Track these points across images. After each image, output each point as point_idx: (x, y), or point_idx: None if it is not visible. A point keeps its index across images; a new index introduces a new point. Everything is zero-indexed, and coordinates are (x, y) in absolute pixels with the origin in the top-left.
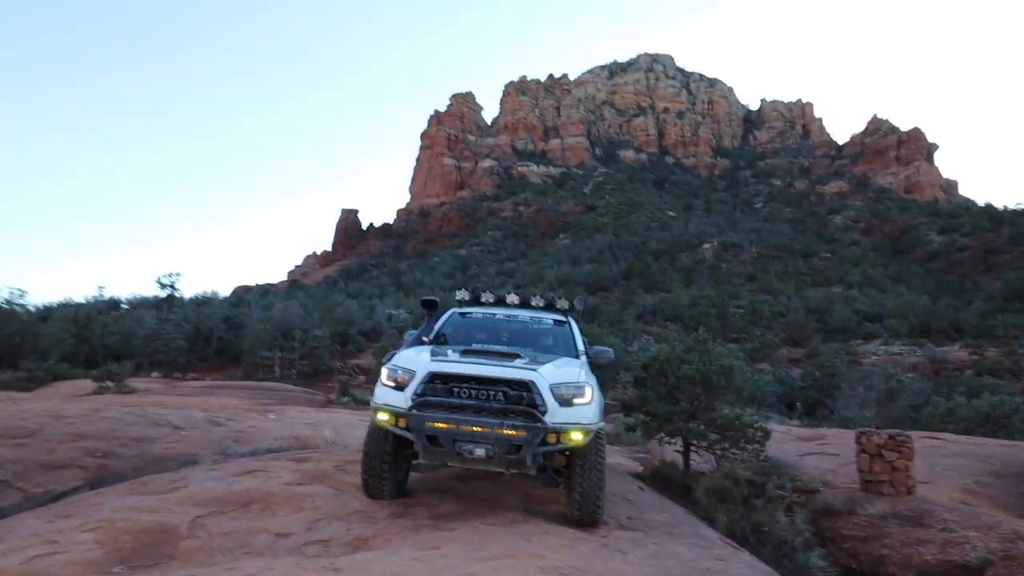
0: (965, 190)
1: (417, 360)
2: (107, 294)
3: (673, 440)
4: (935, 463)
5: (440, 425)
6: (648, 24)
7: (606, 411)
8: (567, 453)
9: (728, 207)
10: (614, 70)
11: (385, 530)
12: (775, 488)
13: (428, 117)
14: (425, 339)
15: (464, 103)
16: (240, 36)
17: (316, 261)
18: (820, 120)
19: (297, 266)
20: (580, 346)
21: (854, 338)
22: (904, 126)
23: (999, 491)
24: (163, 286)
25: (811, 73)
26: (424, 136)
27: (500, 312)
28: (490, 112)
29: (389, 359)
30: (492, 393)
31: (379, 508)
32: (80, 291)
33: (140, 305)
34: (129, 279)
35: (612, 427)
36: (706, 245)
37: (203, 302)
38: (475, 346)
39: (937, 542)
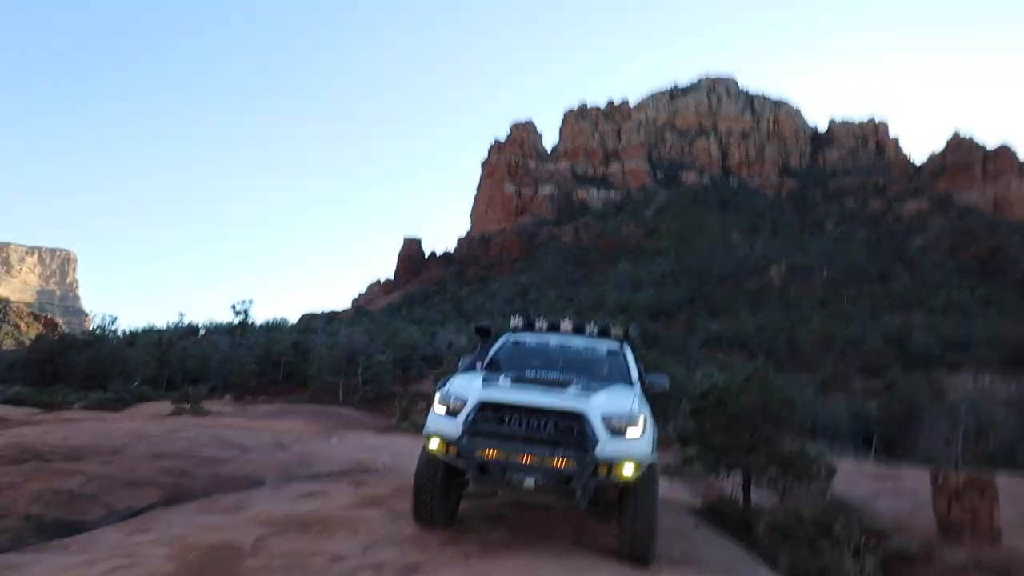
0: None
1: (469, 387)
2: (187, 320)
3: (732, 473)
4: None
5: (491, 454)
6: (709, 47)
7: (661, 442)
8: (619, 486)
9: (796, 229)
10: (675, 93)
11: (436, 556)
12: (843, 529)
13: (489, 146)
14: (479, 365)
15: (524, 131)
16: (304, 74)
17: (379, 289)
18: (896, 139)
19: (361, 294)
20: (634, 374)
21: (937, 367)
22: (990, 145)
23: None
24: (237, 312)
25: (882, 94)
26: (485, 165)
27: (553, 339)
28: (550, 139)
29: (443, 385)
30: (542, 423)
31: (431, 534)
32: (163, 317)
33: (216, 331)
34: (207, 306)
35: (671, 458)
36: (773, 269)
37: (273, 328)
38: (527, 374)
39: None
